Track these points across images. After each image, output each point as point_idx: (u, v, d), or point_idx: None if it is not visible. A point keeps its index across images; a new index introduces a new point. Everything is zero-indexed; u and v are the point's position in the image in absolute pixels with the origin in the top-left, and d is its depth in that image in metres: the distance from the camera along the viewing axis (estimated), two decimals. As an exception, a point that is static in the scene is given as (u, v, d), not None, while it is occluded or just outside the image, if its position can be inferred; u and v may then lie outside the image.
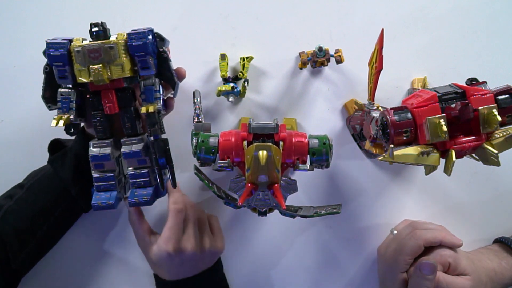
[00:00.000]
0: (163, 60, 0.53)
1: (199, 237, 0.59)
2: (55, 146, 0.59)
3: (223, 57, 0.62)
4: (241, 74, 0.62)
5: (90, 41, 0.50)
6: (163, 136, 0.54)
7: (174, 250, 0.56)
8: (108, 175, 0.54)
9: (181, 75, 0.58)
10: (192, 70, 0.61)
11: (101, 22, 0.50)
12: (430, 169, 0.48)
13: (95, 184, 0.55)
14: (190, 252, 0.57)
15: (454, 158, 0.46)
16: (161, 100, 0.53)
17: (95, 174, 0.55)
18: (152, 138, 0.54)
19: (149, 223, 0.64)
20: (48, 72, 0.52)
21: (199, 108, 0.56)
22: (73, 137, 0.58)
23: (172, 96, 0.57)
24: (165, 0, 0.66)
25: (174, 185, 0.56)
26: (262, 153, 0.44)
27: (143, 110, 0.52)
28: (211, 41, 0.65)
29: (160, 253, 0.56)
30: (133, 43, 0.50)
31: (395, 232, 0.63)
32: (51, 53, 0.50)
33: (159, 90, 0.53)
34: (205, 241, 0.60)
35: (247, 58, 0.63)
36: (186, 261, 0.57)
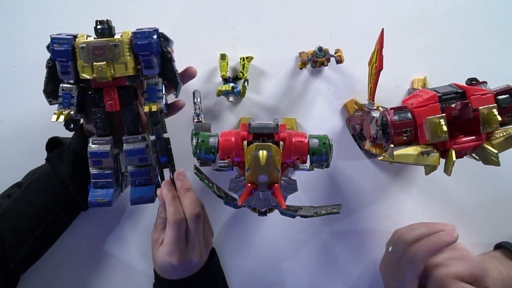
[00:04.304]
0: (166, 60, 0.53)
1: (202, 240, 0.57)
2: (53, 144, 0.59)
3: (223, 57, 0.62)
4: (241, 74, 0.62)
5: (94, 38, 0.50)
6: (165, 135, 0.55)
7: (179, 262, 0.54)
8: (106, 172, 0.55)
9: (191, 73, 0.59)
10: (192, 70, 0.61)
11: (107, 20, 0.50)
12: (430, 169, 0.48)
13: (92, 180, 0.55)
14: (195, 262, 0.56)
15: (454, 158, 0.46)
16: (164, 100, 0.53)
17: (92, 171, 0.55)
18: (153, 137, 0.54)
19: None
20: (50, 66, 0.52)
21: (199, 108, 0.56)
22: (71, 134, 0.58)
23: (175, 96, 0.57)
24: (165, 0, 0.66)
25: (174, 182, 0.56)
26: (262, 153, 0.44)
27: (146, 109, 0.52)
28: (211, 41, 0.65)
29: (164, 264, 0.55)
30: (138, 42, 0.50)
31: (390, 248, 0.60)
32: (55, 48, 0.50)
33: (162, 90, 0.53)
34: (208, 240, 0.59)
35: (247, 58, 0.63)
36: (191, 268, 0.57)
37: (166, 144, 0.55)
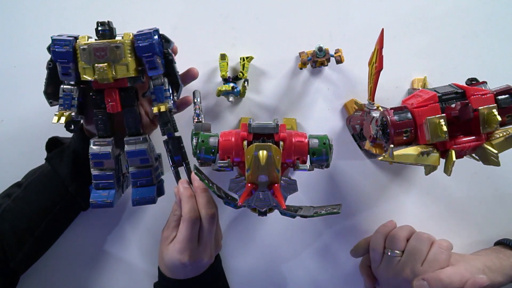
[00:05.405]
0: (168, 61, 0.53)
1: (213, 241, 0.57)
2: (53, 144, 0.59)
3: (223, 57, 0.62)
4: (241, 74, 0.62)
5: (95, 40, 0.50)
6: (176, 134, 0.55)
7: (189, 261, 0.54)
8: (107, 173, 0.55)
9: (194, 75, 0.59)
10: (192, 70, 0.61)
11: (108, 21, 0.50)
12: (430, 169, 0.48)
13: (94, 182, 0.55)
14: (205, 262, 0.56)
15: (454, 158, 0.46)
16: (171, 99, 0.54)
17: (94, 172, 0.55)
18: (166, 136, 0.55)
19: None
20: (51, 68, 0.52)
21: (199, 108, 0.56)
22: (71, 134, 0.58)
23: (176, 98, 0.57)
24: (165, 0, 0.66)
25: (190, 181, 0.57)
26: (262, 153, 0.44)
27: (155, 110, 0.53)
28: (211, 41, 0.65)
29: (173, 261, 0.55)
30: (140, 44, 0.50)
31: (390, 252, 0.61)
32: (56, 50, 0.50)
33: (169, 89, 0.54)
34: (218, 242, 0.60)
35: (247, 58, 0.63)
36: (200, 268, 0.57)
37: (179, 143, 0.56)
